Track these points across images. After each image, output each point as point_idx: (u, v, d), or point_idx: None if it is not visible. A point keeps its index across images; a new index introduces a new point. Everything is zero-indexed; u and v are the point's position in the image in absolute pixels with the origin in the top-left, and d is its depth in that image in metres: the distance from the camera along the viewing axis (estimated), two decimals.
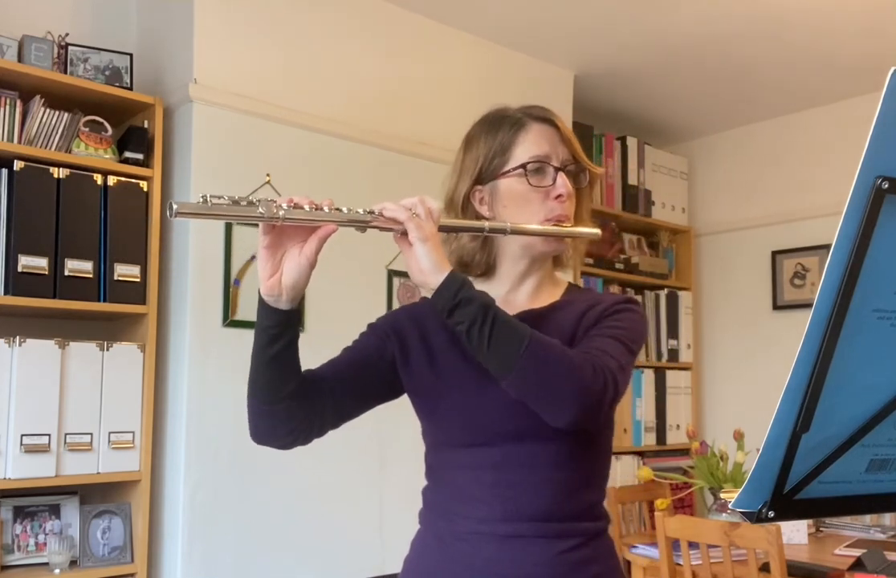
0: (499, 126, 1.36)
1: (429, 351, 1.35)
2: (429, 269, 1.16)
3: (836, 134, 4.15)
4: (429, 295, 1.18)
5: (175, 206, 1.05)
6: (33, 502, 2.52)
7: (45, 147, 2.51)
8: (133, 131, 2.68)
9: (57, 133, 2.52)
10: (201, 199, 1.07)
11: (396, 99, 3.20)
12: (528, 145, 1.33)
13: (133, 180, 2.64)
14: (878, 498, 0.86)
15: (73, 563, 2.50)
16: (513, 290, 1.37)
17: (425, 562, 1.34)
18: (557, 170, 1.33)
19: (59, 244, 2.46)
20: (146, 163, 2.68)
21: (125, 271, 2.58)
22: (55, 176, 2.48)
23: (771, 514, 0.80)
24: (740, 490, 0.79)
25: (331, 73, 3.04)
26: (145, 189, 2.65)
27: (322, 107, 2.99)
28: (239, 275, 2.71)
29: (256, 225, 1.15)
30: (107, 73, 2.70)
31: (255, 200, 1.11)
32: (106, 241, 2.56)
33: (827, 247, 3.74)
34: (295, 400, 1.25)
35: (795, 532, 2.87)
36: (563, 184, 1.32)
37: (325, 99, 3.00)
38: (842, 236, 0.68)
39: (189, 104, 2.69)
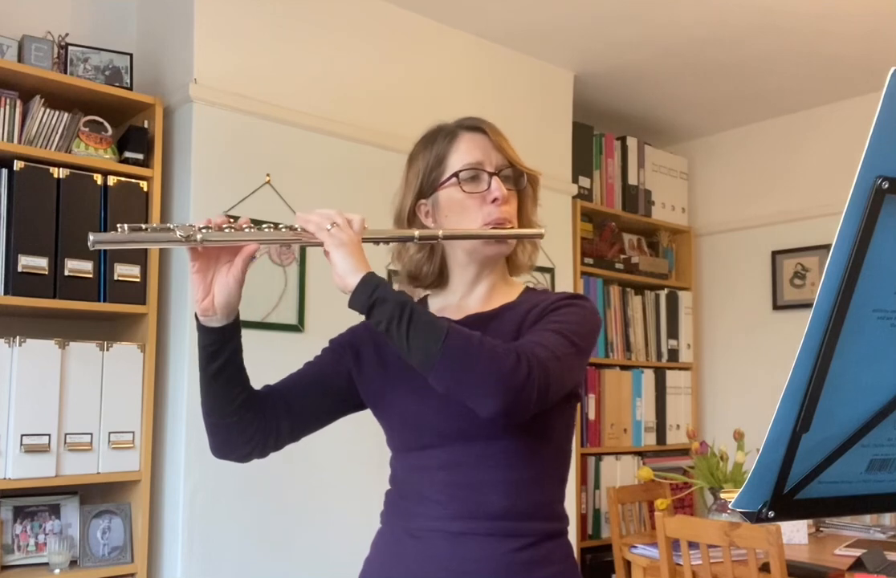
0: (434, 139, 1.41)
1: (381, 361, 1.38)
2: (345, 272, 1.19)
3: (836, 134, 4.15)
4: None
5: (92, 238, 1.11)
6: (33, 502, 2.52)
7: (45, 147, 2.51)
8: (133, 131, 2.68)
9: (57, 133, 2.52)
10: (118, 229, 1.13)
11: (397, 99, 3.20)
12: (461, 154, 1.37)
13: (133, 180, 2.63)
14: (878, 498, 0.86)
15: (73, 563, 2.50)
16: (465, 297, 1.40)
17: (382, 559, 1.38)
18: (491, 175, 1.36)
19: (59, 244, 2.46)
20: (146, 163, 2.68)
21: (125, 271, 2.58)
22: (55, 176, 2.47)
23: (771, 514, 0.80)
24: (740, 490, 0.79)
25: (331, 73, 3.04)
26: (145, 189, 2.65)
27: (322, 108, 2.98)
28: None
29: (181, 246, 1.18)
30: (107, 73, 2.70)
31: (171, 225, 1.16)
32: None
33: (827, 247, 3.74)
34: (245, 414, 1.31)
35: (795, 532, 2.87)
36: (497, 187, 1.35)
37: (325, 99, 3.00)
38: (842, 236, 0.68)
39: (189, 104, 2.69)
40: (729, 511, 2.83)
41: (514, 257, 1.44)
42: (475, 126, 1.40)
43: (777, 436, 0.75)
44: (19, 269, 2.38)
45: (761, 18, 3.31)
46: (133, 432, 2.59)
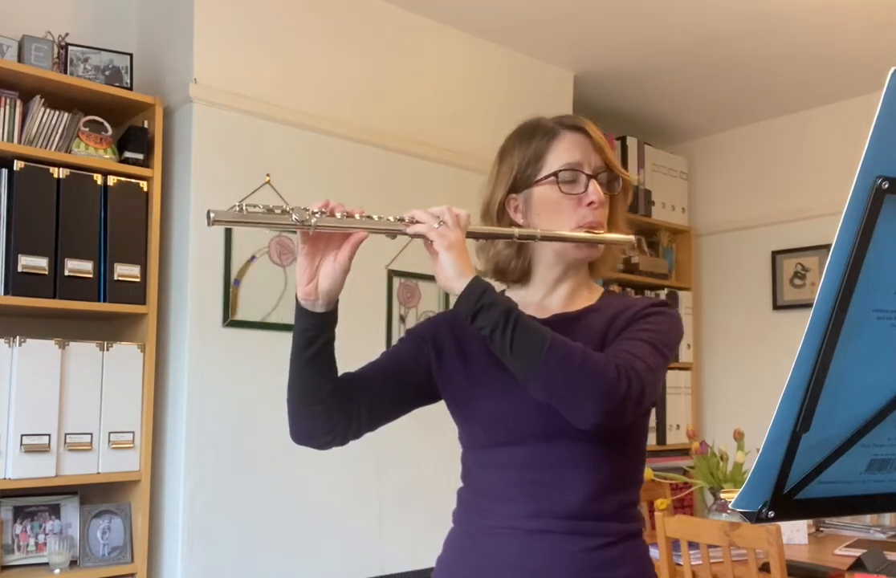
0: (532, 135, 1.39)
1: (463, 356, 1.37)
2: (452, 276, 1.19)
3: (836, 134, 4.15)
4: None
5: (212, 215, 1.10)
6: (33, 502, 2.52)
7: (45, 147, 2.51)
8: (133, 131, 2.68)
9: (57, 133, 2.52)
10: (237, 207, 1.12)
11: (396, 99, 3.20)
12: (561, 153, 1.36)
13: (133, 180, 2.64)
14: (878, 498, 0.86)
15: (73, 563, 2.50)
16: (547, 296, 1.40)
17: (456, 557, 1.36)
18: (589, 177, 1.35)
19: (59, 244, 2.46)
20: (146, 163, 2.68)
21: (125, 271, 2.58)
22: (55, 176, 2.48)
23: (771, 514, 0.80)
24: (740, 490, 0.79)
25: (331, 72, 3.04)
26: (145, 189, 2.65)
27: (322, 108, 2.98)
28: (239, 275, 2.71)
29: (294, 232, 1.19)
30: (107, 73, 2.70)
31: (288, 208, 1.15)
32: (106, 241, 2.56)
33: (827, 247, 3.73)
34: (332, 402, 1.30)
35: (795, 532, 2.87)
36: (594, 191, 1.34)
37: (324, 99, 3.00)
38: (842, 236, 0.68)
39: (189, 104, 2.69)
40: (729, 511, 2.83)
41: (600, 261, 1.43)
42: (577, 125, 1.39)
43: (777, 436, 0.75)
44: (19, 269, 2.38)
45: (761, 18, 3.30)
46: (133, 432, 2.59)
